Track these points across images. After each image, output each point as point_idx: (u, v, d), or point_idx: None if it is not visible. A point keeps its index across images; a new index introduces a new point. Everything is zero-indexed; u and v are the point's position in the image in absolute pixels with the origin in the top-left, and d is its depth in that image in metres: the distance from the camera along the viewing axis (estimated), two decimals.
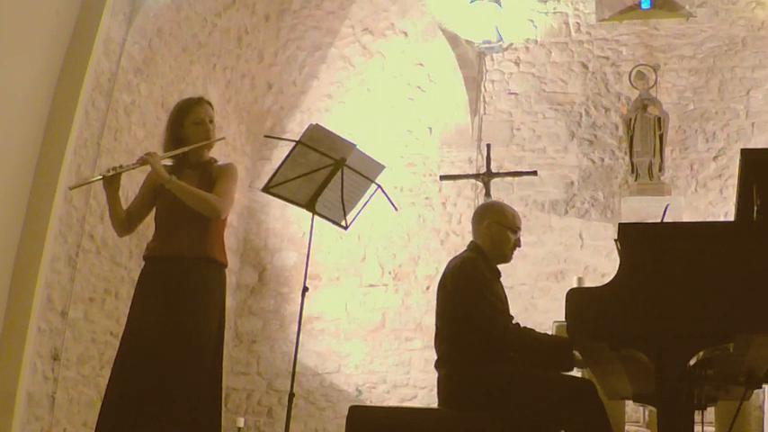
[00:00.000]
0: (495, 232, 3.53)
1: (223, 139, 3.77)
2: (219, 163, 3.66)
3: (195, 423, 3.32)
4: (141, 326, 3.39)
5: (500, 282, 3.58)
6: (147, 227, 3.71)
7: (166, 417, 3.26)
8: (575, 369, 3.50)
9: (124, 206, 3.63)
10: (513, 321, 3.48)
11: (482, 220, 3.57)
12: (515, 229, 3.56)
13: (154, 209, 3.67)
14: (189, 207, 3.45)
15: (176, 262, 3.45)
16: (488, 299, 3.36)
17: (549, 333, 5.09)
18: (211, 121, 3.65)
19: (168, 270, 3.45)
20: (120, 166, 3.53)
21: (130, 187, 4.97)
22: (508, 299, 3.57)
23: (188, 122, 3.60)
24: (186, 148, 3.56)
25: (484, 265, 3.49)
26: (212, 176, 3.56)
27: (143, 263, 3.61)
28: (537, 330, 3.48)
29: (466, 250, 3.61)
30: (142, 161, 3.48)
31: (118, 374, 3.40)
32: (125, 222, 3.62)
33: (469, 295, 3.37)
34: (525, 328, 3.44)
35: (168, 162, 3.62)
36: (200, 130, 3.60)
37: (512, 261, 3.70)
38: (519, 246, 3.59)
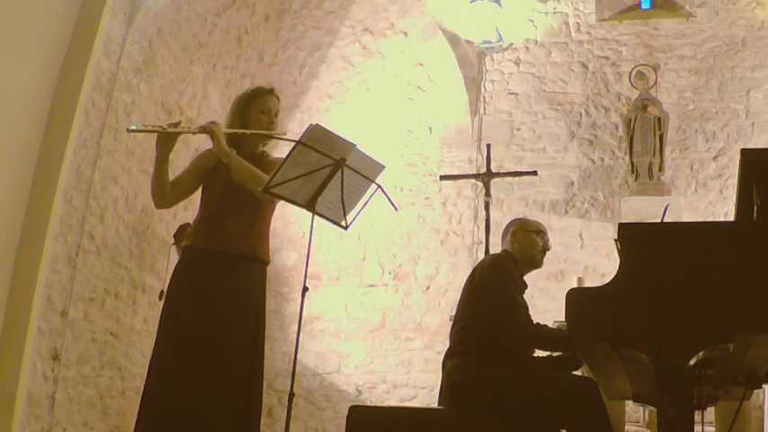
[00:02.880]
0: (521, 238, 3.68)
1: (285, 134, 3.73)
2: (271, 157, 3.62)
3: (230, 420, 3.26)
4: (178, 324, 3.31)
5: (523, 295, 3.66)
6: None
7: (203, 416, 3.19)
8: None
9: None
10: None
11: (507, 232, 3.75)
12: (539, 231, 3.71)
13: (197, 190, 3.58)
14: (238, 198, 3.38)
15: (221, 258, 3.36)
16: (511, 292, 3.44)
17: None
18: (276, 115, 3.61)
19: (208, 266, 3.36)
20: (182, 126, 3.44)
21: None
22: None
23: (254, 109, 3.55)
24: (248, 131, 3.50)
25: (514, 266, 3.59)
26: (264, 169, 3.49)
27: (182, 252, 3.51)
28: (550, 327, 3.59)
29: (500, 252, 3.75)
30: (204, 129, 3.40)
31: (157, 375, 3.29)
32: (168, 193, 3.48)
33: (493, 288, 3.48)
34: (539, 324, 3.54)
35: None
36: (264, 120, 3.56)
37: None
38: (548, 249, 3.73)
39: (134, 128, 3.61)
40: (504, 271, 3.52)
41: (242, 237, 3.41)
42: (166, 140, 3.40)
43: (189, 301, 3.34)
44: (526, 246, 3.67)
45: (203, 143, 5.14)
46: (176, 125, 3.42)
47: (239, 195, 3.41)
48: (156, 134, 3.42)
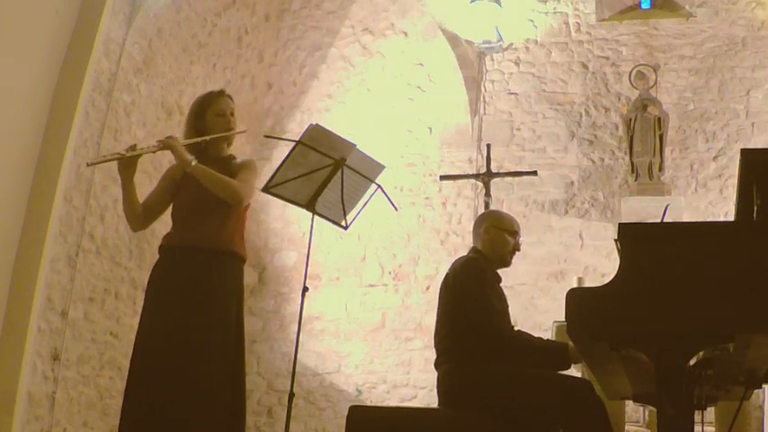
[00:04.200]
0: (494, 235, 3.60)
1: (245, 131, 3.75)
2: (239, 160, 3.64)
3: (218, 424, 3.26)
4: (158, 323, 3.32)
5: (500, 287, 3.62)
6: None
7: (186, 417, 3.19)
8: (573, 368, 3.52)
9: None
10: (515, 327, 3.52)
11: (480, 225, 3.67)
12: (512, 231, 3.63)
13: (170, 206, 3.60)
14: (209, 201, 3.40)
15: (196, 253, 3.39)
16: (488, 298, 3.40)
17: (546, 335, 5.13)
18: (232, 114, 3.63)
19: (186, 262, 3.39)
20: (140, 147, 3.46)
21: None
22: (507, 300, 3.61)
23: (210, 114, 3.58)
24: (207, 137, 3.52)
25: (487, 266, 3.53)
26: (232, 172, 3.52)
27: (158, 255, 3.53)
28: (532, 334, 3.53)
29: (469, 253, 3.67)
30: (162, 145, 3.43)
31: (139, 377, 3.30)
32: (140, 215, 3.53)
33: (470, 293, 3.42)
34: (520, 331, 3.50)
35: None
36: (222, 122, 3.57)
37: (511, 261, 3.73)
38: (518, 249, 3.66)
39: (93, 161, 3.67)
40: (476, 275, 3.45)
41: (216, 234, 3.43)
42: (128, 164, 3.44)
43: (168, 298, 3.36)
44: (497, 244, 3.59)
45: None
46: (134, 148, 3.46)
47: (209, 199, 3.43)
48: (117, 161, 3.46)
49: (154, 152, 3.50)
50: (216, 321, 3.33)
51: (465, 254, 3.71)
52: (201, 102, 3.64)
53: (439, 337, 3.50)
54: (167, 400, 3.19)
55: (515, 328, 3.53)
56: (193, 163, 3.40)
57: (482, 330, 3.35)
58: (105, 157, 3.61)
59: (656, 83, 7.34)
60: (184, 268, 3.39)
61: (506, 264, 3.64)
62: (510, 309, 3.59)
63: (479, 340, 3.34)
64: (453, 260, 3.68)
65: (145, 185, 3.93)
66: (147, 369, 3.28)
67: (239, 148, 7.78)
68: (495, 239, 3.60)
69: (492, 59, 7.97)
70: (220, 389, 3.29)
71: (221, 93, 3.68)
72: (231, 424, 3.33)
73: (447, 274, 3.58)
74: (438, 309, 3.55)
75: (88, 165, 3.92)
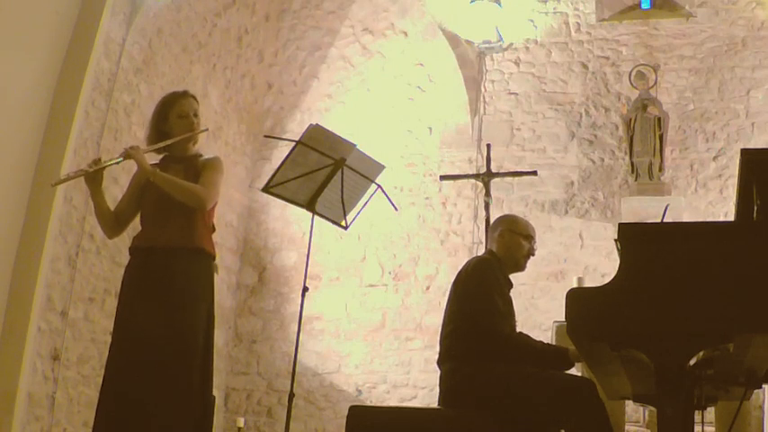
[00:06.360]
0: (509, 239, 3.64)
1: (206, 130, 3.75)
2: (205, 157, 3.63)
3: (187, 419, 3.29)
4: (131, 323, 3.35)
5: (509, 294, 3.64)
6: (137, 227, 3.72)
7: (159, 415, 3.22)
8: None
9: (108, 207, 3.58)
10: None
11: (496, 228, 3.71)
12: (528, 236, 3.67)
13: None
14: (173, 200, 3.42)
15: (164, 252, 3.41)
16: (494, 300, 3.43)
17: (546, 335, 5.13)
18: (196, 115, 3.62)
19: (156, 261, 3.40)
20: (103, 161, 3.50)
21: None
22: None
23: (172, 115, 3.58)
24: (169, 141, 3.53)
25: (498, 268, 3.55)
26: (197, 170, 3.52)
27: (129, 254, 3.55)
28: (533, 338, 3.55)
29: (484, 254, 3.71)
30: (125, 155, 3.44)
31: (112, 375, 3.34)
32: (113, 222, 3.57)
33: (475, 293, 3.45)
34: (521, 333, 3.51)
35: (155, 160, 3.60)
36: (185, 123, 3.57)
37: None
38: (533, 254, 3.71)
39: (58, 181, 3.71)
40: (485, 277, 3.49)
41: (182, 232, 3.44)
42: (93, 179, 3.46)
43: (138, 299, 3.38)
44: (512, 248, 3.64)
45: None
46: (97, 162, 3.49)
47: (172, 200, 3.44)
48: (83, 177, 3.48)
49: (118, 163, 3.51)
50: (185, 320, 3.34)
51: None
52: (164, 103, 3.64)
53: (443, 334, 3.52)
54: (138, 400, 3.22)
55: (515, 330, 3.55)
56: (156, 171, 3.43)
57: (483, 331, 3.37)
58: (69, 175, 3.64)
59: (656, 83, 7.34)
60: (153, 268, 3.41)
61: (520, 268, 3.69)
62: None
63: (480, 341, 3.36)
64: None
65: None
66: (120, 369, 3.30)
67: (239, 148, 7.80)
68: (510, 243, 3.64)
69: (492, 59, 7.98)
70: (188, 388, 3.30)
71: (184, 94, 3.67)
72: (199, 425, 3.34)
73: (459, 272, 3.62)
74: (446, 306, 3.58)
75: (52, 185, 3.93)
